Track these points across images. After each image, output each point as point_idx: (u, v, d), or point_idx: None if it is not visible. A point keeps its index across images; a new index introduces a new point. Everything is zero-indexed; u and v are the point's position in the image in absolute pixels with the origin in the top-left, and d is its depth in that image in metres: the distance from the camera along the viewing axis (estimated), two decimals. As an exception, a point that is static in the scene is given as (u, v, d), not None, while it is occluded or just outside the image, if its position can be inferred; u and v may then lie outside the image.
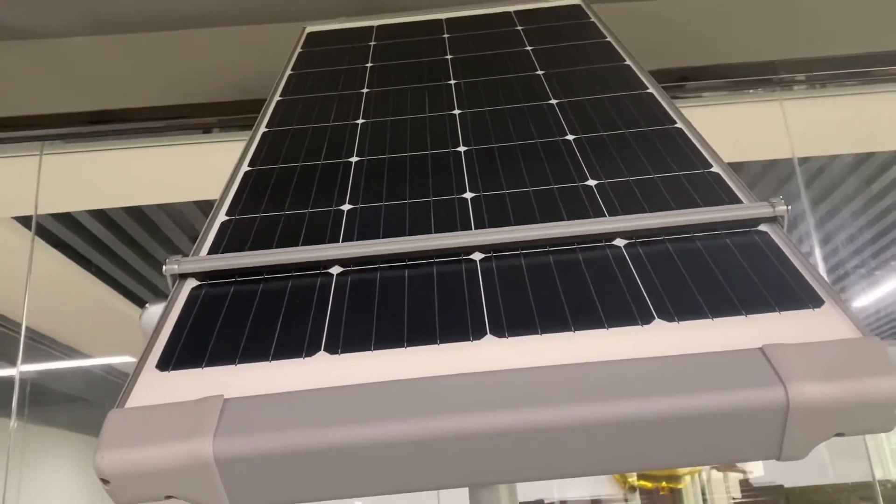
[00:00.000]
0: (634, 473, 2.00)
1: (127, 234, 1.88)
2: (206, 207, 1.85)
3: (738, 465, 2.03)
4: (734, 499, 2.01)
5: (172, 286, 0.68)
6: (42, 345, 1.96)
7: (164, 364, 0.57)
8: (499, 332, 0.56)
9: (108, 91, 1.74)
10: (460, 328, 0.58)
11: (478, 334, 0.56)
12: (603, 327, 0.56)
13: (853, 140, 1.77)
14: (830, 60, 1.72)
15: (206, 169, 1.79)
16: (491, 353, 0.54)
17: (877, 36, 1.76)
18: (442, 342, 0.56)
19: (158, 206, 1.82)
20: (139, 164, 1.78)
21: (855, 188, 1.89)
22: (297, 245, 0.70)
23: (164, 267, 0.68)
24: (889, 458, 1.93)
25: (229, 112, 1.73)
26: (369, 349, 0.56)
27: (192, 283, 0.68)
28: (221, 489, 0.50)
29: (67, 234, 1.84)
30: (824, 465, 1.89)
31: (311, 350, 0.57)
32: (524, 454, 0.49)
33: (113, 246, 1.90)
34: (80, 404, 2.08)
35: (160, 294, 2.07)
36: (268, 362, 0.56)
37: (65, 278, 1.91)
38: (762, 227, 0.66)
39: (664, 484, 2.03)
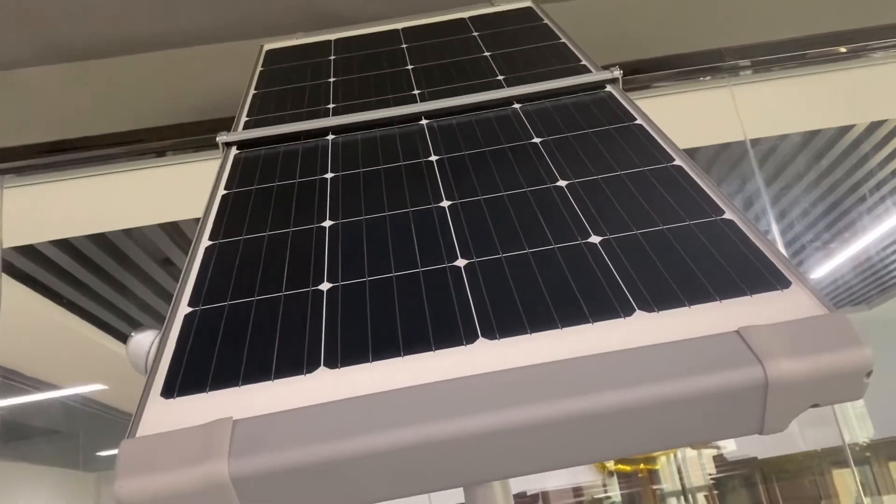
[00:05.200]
0: (611, 460, 2.04)
1: (93, 262, 1.86)
2: (171, 230, 1.84)
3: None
4: (710, 474, 2.05)
5: (223, 151, 0.98)
6: (13, 381, 1.93)
7: (168, 391, 0.58)
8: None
9: (64, 120, 1.72)
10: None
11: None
12: (581, 319, 0.59)
13: (800, 119, 1.83)
14: (772, 45, 1.78)
15: (169, 191, 1.78)
16: (481, 354, 0.57)
17: (813, 19, 1.83)
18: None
19: (123, 231, 1.81)
20: (102, 192, 1.76)
21: (805, 165, 1.96)
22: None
23: (217, 137, 0.99)
24: (854, 422, 1.99)
25: (188, 133, 1.73)
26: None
27: (234, 150, 0.99)
28: (239, 508, 0.51)
29: (33, 266, 1.82)
30: (794, 435, 1.95)
31: (311, 362, 0.59)
32: (523, 449, 0.52)
33: (79, 275, 1.89)
34: (57, 437, 2.06)
35: (133, 322, 2.05)
36: (271, 381, 0.58)
37: (33, 311, 1.89)
38: (608, 87, 0.99)
39: (642, 466, 2.07)
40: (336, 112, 1.03)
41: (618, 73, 0.98)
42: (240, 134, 1.00)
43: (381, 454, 0.51)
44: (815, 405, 0.54)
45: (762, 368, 0.51)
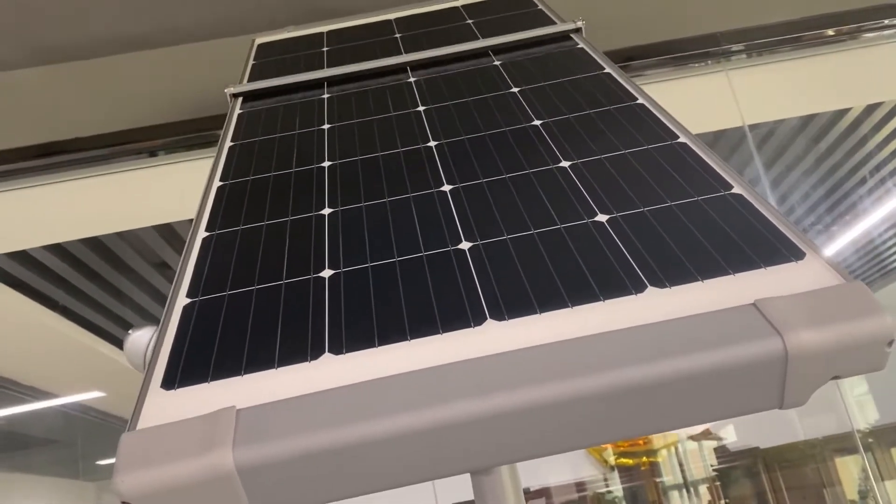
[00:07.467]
0: (612, 454, 2.02)
1: (87, 266, 1.84)
2: (166, 232, 1.82)
3: (712, 432, 2.06)
4: (712, 466, 2.04)
5: (230, 101, 1.08)
6: (8, 389, 1.91)
7: (169, 383, 0.56)
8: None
9: (54, 122, 1.70)
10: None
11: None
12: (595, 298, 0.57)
13: (797, 103, 1.82)
14: (767, 28, 1.77)
15: (163, 192, 1.76)
16: (491, 331, 0.55)
17: (806, 1, 1.82)
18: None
19: (117, 234, 1.79)
20: (94, 194, 1.74)
21: (804, 148, 1.95)
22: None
23: (225, 90, 1.07)
24: (855, 408, 1.98)
25: (180, 132, 1.71)
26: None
27: (240, 100, 1.08)
28: (244, 499, 0.50)
29: (26, 272, 1.80)
30: (794, 423, 1.94)
31: (315, 348, 0.57)
32: (535, 431, 0.50)
33: (74, 280, 1.86)
34: (55, 446, 2.03)
35: (127, 326, 2.03)
36: (274, 369, 0.56)
37: (27, 318, 1.87)
38: (572, 36, 1.07)
39: (644, 459, 2.06)
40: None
41: (581, 23, 1.08)
42: (245, 86, 1.09)
43: (389, 440, 0.49)
44: (836, 377, 0.52)
45: (781, 340, 0.50)
